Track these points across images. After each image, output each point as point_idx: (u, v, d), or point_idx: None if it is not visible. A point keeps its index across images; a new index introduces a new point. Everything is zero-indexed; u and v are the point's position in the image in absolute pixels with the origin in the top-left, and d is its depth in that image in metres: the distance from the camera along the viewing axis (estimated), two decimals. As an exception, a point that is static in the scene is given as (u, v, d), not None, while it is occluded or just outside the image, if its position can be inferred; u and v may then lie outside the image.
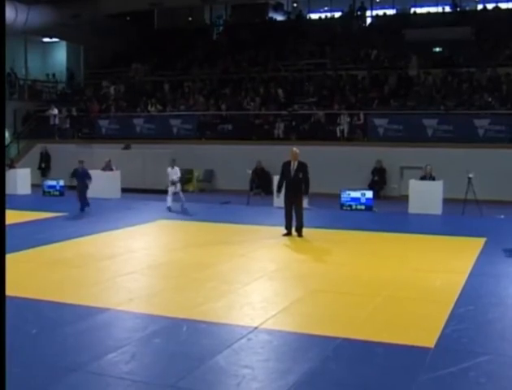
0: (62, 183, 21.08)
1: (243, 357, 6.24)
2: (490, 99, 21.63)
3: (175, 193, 17.50)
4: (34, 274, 9.88)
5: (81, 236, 13.08)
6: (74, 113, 26.95)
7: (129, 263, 10.67)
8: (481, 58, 24.08)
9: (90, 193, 20.34)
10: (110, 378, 5.73)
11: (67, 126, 26.93)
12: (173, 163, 17.77)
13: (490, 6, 29.53)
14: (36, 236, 12.72)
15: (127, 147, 24.00)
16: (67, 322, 7.30)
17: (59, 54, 32.94)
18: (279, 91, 25.01)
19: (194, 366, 5.94)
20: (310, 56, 27.75)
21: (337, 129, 22.62)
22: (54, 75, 31.64)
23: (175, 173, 17.68)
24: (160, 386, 5.53)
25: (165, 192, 17.38)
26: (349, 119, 22.56)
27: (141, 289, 9.07)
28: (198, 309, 7.81)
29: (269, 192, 18.73)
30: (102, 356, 6.20)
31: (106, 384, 5.62)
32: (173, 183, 17.50)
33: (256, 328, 7.06)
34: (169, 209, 17.29)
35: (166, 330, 7.07)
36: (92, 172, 21.14)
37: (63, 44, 32.51)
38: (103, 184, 20.63)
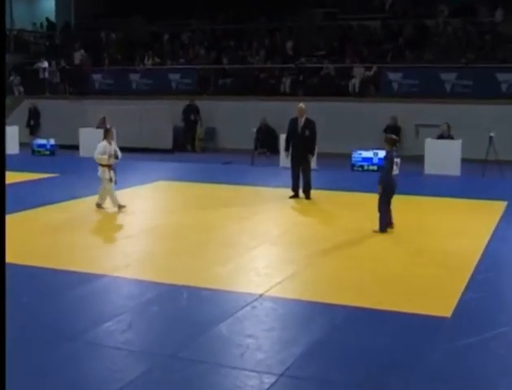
0: (52, 141, 20.99)
1: (247, 326, 6.26)
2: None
3: None
4: (26, 238, 9.86)
5: (75, 198, 13.05)
6: (63, 64, 26.67)
7: (126, 226, 10.68)
8: (504, 6, 23.68)
9: (84, 153, 20.37)
10: (106, 348, 5.76)
11: (58, 80, 26.69)
12: None
13: None
14: (28, 198, 12.71)
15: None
16: (61, 288, 7.33)
17: (48, 2, 32.40)
18: (287, 43, 24.71)
19: (195, 336, 5.95)
20: (319, 5, 27.34)
21: (349, 83, 22.43)
22: (41, 24, 31.04)
23: None
24: (159, 356, 5.54)
25: (162, 151, 16.58)
26: (363, 73, 22.34)
27: (138, 254, 9.08)
28: (200, 275, 7.82)
29: (275, 151, 18.61)
30: (98, 325, 6.22)
31: (101, 355, 5.64)
32: None
33: (261, 296, 7.06)
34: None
35: (165, 297, 7.08)
36: (86, 130, 21.16)
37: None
38: (98, 142, 20.54)
